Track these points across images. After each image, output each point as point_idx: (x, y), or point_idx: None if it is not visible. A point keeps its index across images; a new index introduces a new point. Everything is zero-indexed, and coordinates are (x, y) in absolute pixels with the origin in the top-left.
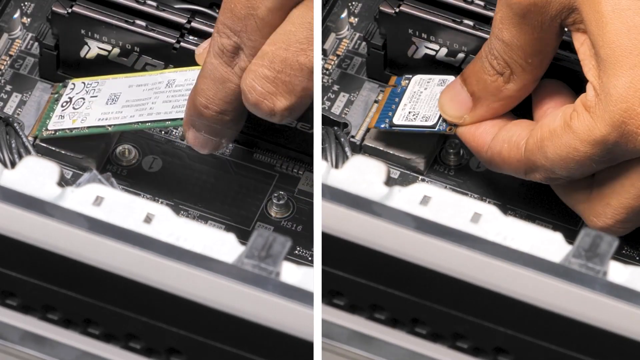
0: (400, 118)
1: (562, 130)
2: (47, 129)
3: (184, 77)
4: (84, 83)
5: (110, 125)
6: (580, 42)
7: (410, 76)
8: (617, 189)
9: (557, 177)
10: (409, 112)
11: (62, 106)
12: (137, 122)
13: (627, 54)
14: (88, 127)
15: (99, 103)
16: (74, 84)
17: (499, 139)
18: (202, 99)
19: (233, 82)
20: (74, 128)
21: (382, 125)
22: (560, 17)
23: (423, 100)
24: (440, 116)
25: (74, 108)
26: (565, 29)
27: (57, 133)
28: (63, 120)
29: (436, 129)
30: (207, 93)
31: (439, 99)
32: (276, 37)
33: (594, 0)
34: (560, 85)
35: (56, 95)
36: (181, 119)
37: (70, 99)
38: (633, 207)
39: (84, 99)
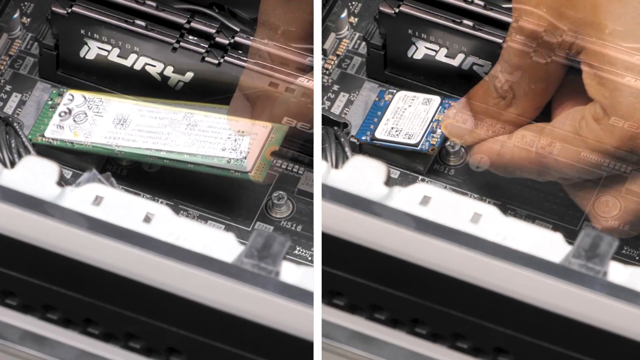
0: (382, 132)
1: (572, 136)
2: (43, 136)
3: (205, 117)
4: (84, 97)
5: (119, 146)
6: (584, 64)
7: (394, 91)
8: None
9: (569, 178)
10: (392, 128)
11: (60, 116)
12: (154, 155)
13: (629, 72)
14: (92, 144)
15: (105, 122)
16: (72, 95)
17: (509, 144)
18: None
19: None
20: (77, 142)
21: (364, 138)
22: (566, 47)
23: (407, 118)
24: (423, 135)
25: (75, 121)
26: (572, 56)
27: (56, 142)
28: (62, 131)
29: (418, 148)
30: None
31: (443, 117)
32: None
33: (597, 23)
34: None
35: (51, 102)
36: (202, 155)
37: (69, 110)
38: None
39: (85, 114)
